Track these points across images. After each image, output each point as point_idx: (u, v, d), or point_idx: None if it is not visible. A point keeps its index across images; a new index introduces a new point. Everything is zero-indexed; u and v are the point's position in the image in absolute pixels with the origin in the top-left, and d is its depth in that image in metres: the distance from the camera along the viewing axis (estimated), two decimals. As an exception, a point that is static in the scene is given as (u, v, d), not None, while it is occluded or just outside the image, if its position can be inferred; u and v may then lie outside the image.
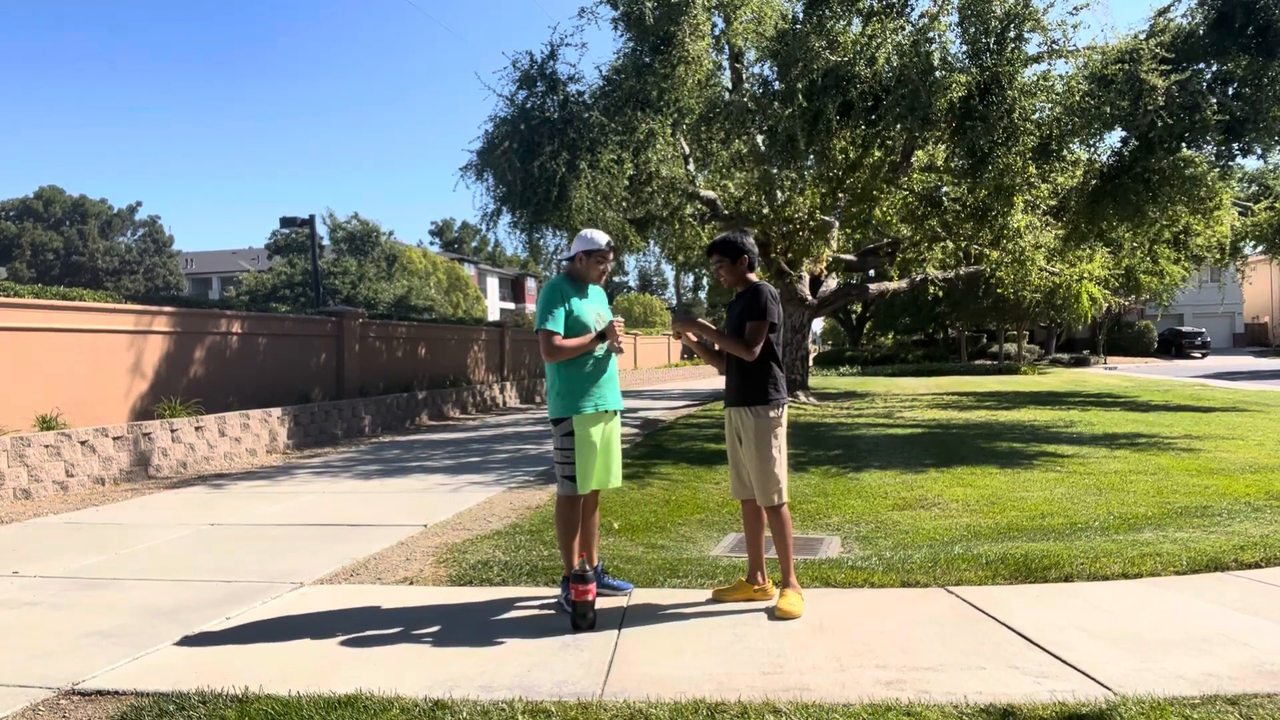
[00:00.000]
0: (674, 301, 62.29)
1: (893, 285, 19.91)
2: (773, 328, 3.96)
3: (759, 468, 3.92)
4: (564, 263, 4.27)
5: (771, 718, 2.76)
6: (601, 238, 4.15)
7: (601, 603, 3.88)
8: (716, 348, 4.21)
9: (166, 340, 10.58)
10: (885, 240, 18.26)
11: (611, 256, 4.21)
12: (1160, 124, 9.83)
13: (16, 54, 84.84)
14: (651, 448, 10.48)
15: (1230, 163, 11.73)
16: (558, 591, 4.17)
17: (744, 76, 13.68)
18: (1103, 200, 11.55)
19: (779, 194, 13.77)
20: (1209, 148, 10.90)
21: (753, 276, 4.09)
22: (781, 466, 3.95)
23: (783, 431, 3.99)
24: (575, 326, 4.02)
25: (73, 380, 9.17)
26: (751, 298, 3.98)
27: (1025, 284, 17.07)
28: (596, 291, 4.24)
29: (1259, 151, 11.58)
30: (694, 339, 4.17)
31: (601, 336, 4.00)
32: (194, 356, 11.06)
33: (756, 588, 4.04)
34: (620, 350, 4.14)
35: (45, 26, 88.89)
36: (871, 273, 21.39)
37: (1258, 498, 6.31)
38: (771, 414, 3.93)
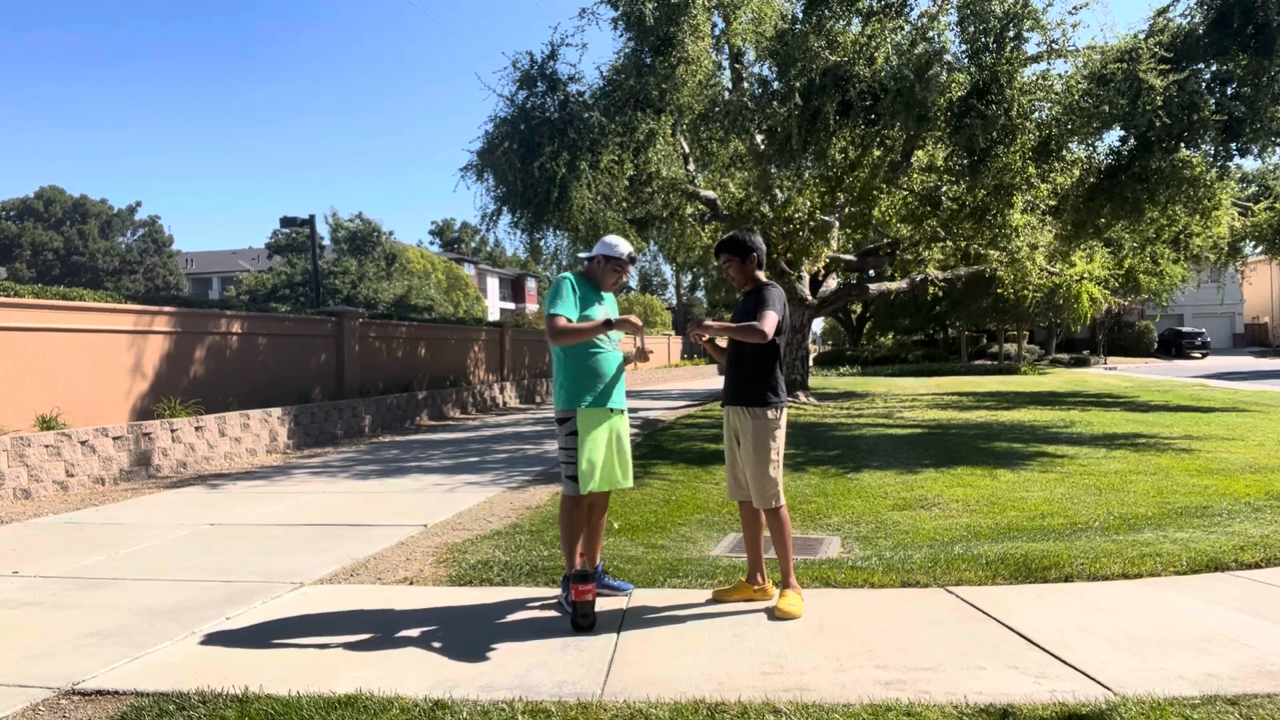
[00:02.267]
0: (674, 302, 62.25)
1: (893, 285, 19.92)
2: (779, 329, 3.91)
3: (756, 470, 3.91)
4: (584, 262, 4.22)
5: (772, 718, 2.76)
6: (624, 247, 4.07)
7: (602, 603, 3.88)
8: (721, 343, 4.20)
9: (166, 340, 10.58)
10: (885, 240, 18.27)
11: (630, 268, 4.12)
12: (1158, 123, 9.83)
13: (17, 54, 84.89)
14: (651, 448, 10.48)
15: (1228, 163, 11.72)
16: (558, 592, 4.17)
17: (744, 76, 13.69)
18: (1098, 197, 11.56)
19: (779, 194, 13.78)
20: (1206, 147, 10.90)
21: (761, 275, 4.06)
22: (778, 469, 3.93)
23: (781, 434, 3.96)
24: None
25: (73, 380, 9.17)
26: (759, 296, 3.93)
27: (1025, 284, 17.08)
28: (609, 298, 4.20)
29: (1256, 151, 11.57)
30: (706, 339, 4.11)
31: (609, 324, 3.92)
32: (194, 356, 11.06)
33: (756, 588, 4.04)
34: (645, 355, 4.07)
35: (46, 26, 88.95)
36: (871, 273, 21.40)
37: (1258, 498, 6.31)
38: (770, 415, 3.92)
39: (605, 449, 4.00)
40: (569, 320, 3.91)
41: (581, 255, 4.34)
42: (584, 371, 3.98)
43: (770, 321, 3.82)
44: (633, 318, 3.95)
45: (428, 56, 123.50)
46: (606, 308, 4.12)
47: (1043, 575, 4.29)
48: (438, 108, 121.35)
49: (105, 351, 9.68)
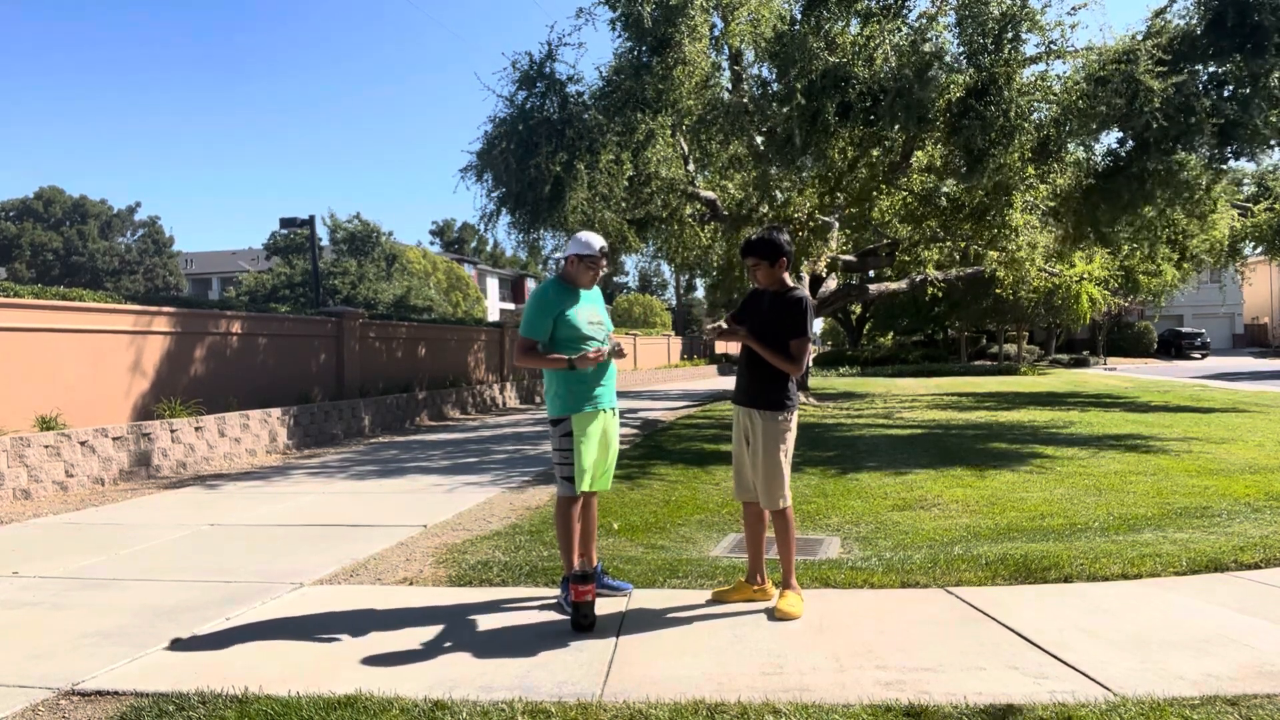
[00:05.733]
0: (673, 302, 62.26)
1: (893, 285, 19.92)
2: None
3: (765, 471, 3.90)
4: (561, 264, 4.24)
5: (771, 718, 2.76)
6: (596, 242, 4.05)
7: (601, 603, 3.88)
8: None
9: (166, 340, 10.58)
10: (885, 241, 18.28)
11: (605, 262, 4.11)
12: (1155, 125, 9.84)
13: (16, 54, 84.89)
14: (651, 448, 10.48)
15: (1223, 164, 11.74)
16: (557, 592, 4.17)
17: (743, 77, 13.69)
18: (1093, 197, 11.56)
19: (778, 194, 13.78)
20: (1203, 150, 10.90)
21: (788, 278, 3.99)
22: (787, 470, 3.94)
23: (791, 436, 3.96)
24: (566, 330, 3.98)
25: (73, 380, 9.16)
26: (793, 309, 3.88)
27: (1024, 284, 17.09)
28: (592, 294, 4.19)
29: (1252, 153, 11.57)
30: (724, 336, 4.03)
31: (571, 365, 3.93)
32: (194, 357, 11.06)
33: (756, 588, 4.04)
34: (622, 354, 4.13)
35: (45, 25, 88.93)
36: (871, 273, 21.40)
37: (1257, 498, 6.31)
38: (781, 418, 3.92)
39: (599, 450, 4.04)
40: (537, 344, 3.98)
41: (556, 256, 4.37)
42: (576, 380, 3.99)
43: (804, 354, 3.89)
44: (591, 354, 3.94)
45: (428, 57, 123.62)
46: (589, 306, 4.12)
47: (1042, 576, 4.29)
48: (437, 108, 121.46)
49: (105, 352, 9.67)
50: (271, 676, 3.20)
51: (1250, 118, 10.08)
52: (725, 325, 3.99)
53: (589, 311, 4.10)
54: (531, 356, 3.99)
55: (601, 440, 4.06)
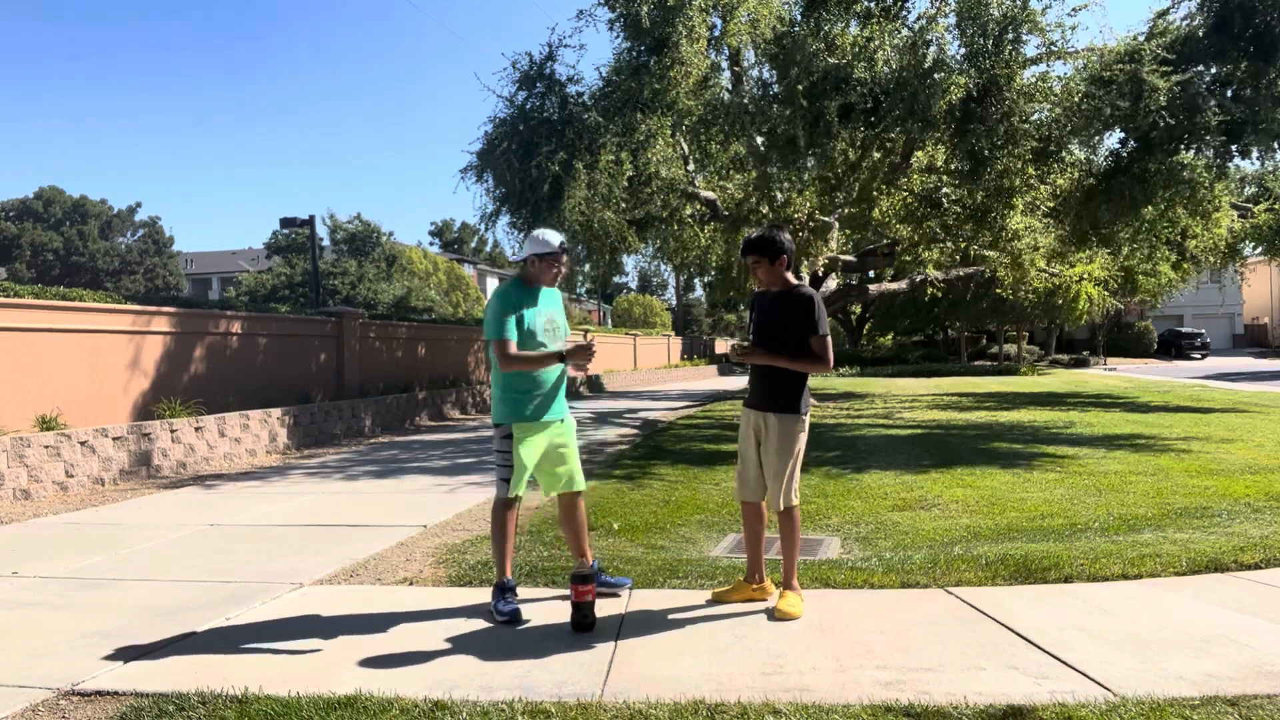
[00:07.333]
0: (673, 302, 62.26)
1: (893, 286, 19.93)
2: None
3: (778, 471, 3.90)
4: (522, 265, 4.10)
5: (771, 718, 2.76)
6: (554, 238, 4.00)
7: (601, 604, 3.87)
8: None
9: (166, 340, 10.58)
10: (885, 241, 18.29)
11: (565, 259, 4.03)
12: (1161, 124, 9.83)
13: (17, 54, 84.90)
14: (650, 448, 10.48)
15: (1228, 164, 11.74)
16: (562, 591, 4.16)
17: (743, 78, 13.69)
18: (1096, 198, 11.57)
19: (778, 194, 13.78)
20: (1209, 151, 10.89)
21: (790, 277, 3.97)
22: (798, 469, 3.94)
23: (804, 438, 3.97)
24: (522, 334, 3.91)
25: (73, 380, 9.16)
26: (804, 307, 3.86)
27: (1024, 284, 17.10)
28: (548, 295, 4.11)
29: (1257, 154, 11.57)
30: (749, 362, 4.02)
31: (560, 357, 3.90)
32: (194, 357, 11.06)
33: (756, 588, 4.04)
34: (584, 372, 4.07)
35: (44, 27, 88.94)
36: (871, 273, 21.42)
37: (1257, 499, 6.31)
38: (797, 421, 3.91)
39: (540, 455, 3.98)
40: (517, 349, 3.88)
41: (512, 259, 4.27)
42: (521, 383, 3.94)
43: (829, 351, 3.86)
44: (589, 346, 3.87)
45: (428, 57, 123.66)
46: (546, 308, 4.05)
47: (1042, 576, 4.29)
48: (437, 108, 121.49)
49: (105, 352, 9.67)
50: (271, 676, 3.20)
51: (1258, 116, 10.09)
52: (747, 347, 3.94)
53: (546, 316, 4.03)
54: (521, 359, 3.88)
55: (550, 449, 4.00)
